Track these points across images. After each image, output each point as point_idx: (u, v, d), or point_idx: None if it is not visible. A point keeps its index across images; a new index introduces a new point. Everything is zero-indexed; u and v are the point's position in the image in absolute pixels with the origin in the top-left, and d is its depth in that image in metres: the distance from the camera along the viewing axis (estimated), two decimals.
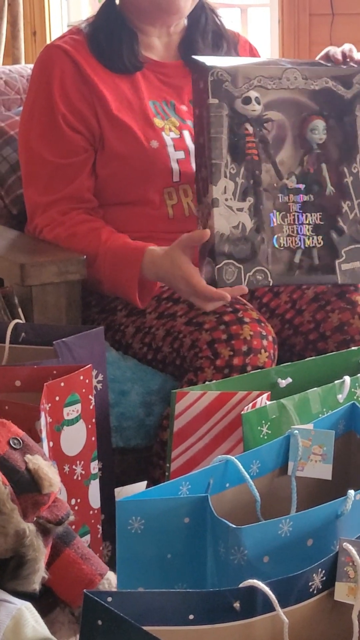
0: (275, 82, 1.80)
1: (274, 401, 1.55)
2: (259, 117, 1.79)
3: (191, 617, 1.08)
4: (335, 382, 1.62)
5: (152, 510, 1.23)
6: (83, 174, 1.96)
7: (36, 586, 1.31)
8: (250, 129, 1.78)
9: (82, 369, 1.62)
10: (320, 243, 1.83)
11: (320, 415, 1.56)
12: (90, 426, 1.65)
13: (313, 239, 1.82)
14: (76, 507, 1.62)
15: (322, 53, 1.90)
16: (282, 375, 1.66)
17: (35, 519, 1.31)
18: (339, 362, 1.71)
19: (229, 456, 1.34)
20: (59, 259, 1.87)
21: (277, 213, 1.80)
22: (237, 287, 1.77)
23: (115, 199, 1.98)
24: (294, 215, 1.81)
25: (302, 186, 1.82)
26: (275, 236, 1.80)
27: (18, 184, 2.17)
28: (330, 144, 1.83)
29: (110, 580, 1.41)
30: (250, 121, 1.78)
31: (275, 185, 1.80)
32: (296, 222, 1.81)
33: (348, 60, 1.87)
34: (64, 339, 1.68)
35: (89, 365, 1.64)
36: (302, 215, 1.82)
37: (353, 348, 1.76)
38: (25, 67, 2.45)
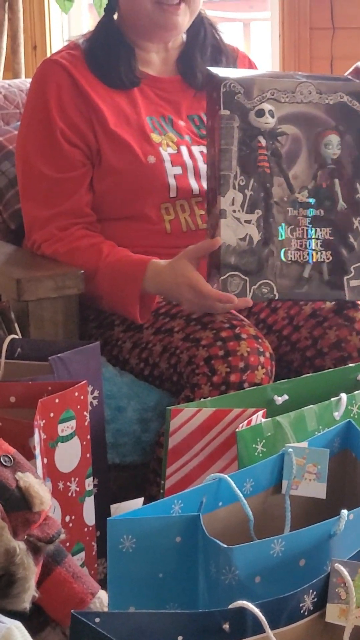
0: (288, 95, 1.79)
1: (269, 419, 1.55)
2: (272, 130, 1.79)
3: (180, 638, 1.06)
4: (332, 399, 1.61)
5: (143, 529, 1.22)
6: (82, 188, 1.95)
7: (26, 605, 1.30)
8: (263, 142, 1.78)
9: (77, 385, 1.61)
10: (329, 258, 1.82)
11: (316, 432, 1.55)
12: (85, 442, 1.64)
13: (321, 254, 1.81)
14: (70, 524, 1.61)
15: (352, 68, 1.90)
16: (278, 392, 1.65)
17: (25, 537, 1.30)
18: (336, 379, 1.70)
19: (222, 474, 1.33)
20: (56, 274, 1.86)
21: (286, 226, 1.80)
22: (242, 299, 1.76)
23: (112, 214, 1.97)
24: (302, 229, 1.81)
25: (313, 200, 1.82)
26: (283, 249, 1.80)
27: (16, 198, 2.17)
28: (344, 159, 1.83)
29: (101, 599, 1.40)
30: (263, 134, 1.78)
31: (285, 199, 1.80)
32: (305, 237, 1.81)
33: None
34: (59, 355, 1.68)
35: (84, 382, 1.63)
36: (312, 230, 1.81)
37: (350, 365, 1.75)
38: (24, 82, 2.45)
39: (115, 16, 2.04)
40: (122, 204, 1.96)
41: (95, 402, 1.72)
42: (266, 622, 1.08)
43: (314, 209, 1.82)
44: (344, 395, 1.62)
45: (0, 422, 1.52)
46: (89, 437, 1.65)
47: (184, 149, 1.99)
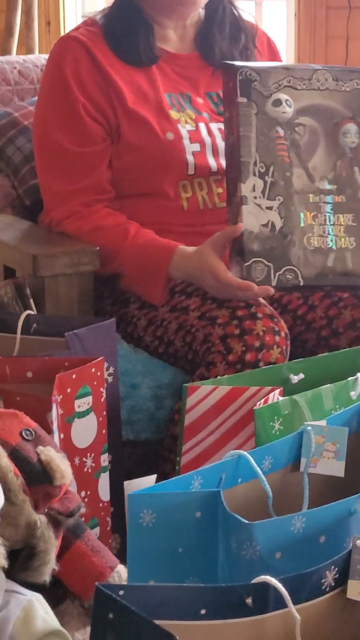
0: (305, 82, 1.79)
1: (287, 397, 1.55)
2: (290, 121, 1.78)
3: (203, 611, 1.07)
4: (349, 378, 1.62)
5: (163, 504, 1.22)
6: (103, 164, 1.94)
7: (46, 578, 1.31)
8: (281, 132, 1.77)
9: (94, 361, 1.62)
10: (352, 245, 1.81)
11: (332, 411, 1.56)
12: (101, 419, 1.64)
13: (345, 240, 1.81)
14: (86, 500, 1.62)
15: None
16: (294, 371, 1.65)
17: (46, 510, 1.31)
18: (351, 359, 1.70)
19: (241, 451, 1.33)
20: (71, 250, 1.86)
21: (308, 213, 1.79)
22: (262, 287, 1.75)
23: (130, 190, 1.97)
24: (324, 215, 1.80)
25: (334, 187, 1.81)
26: (306, 236, 1.78)
27: (31, 174, 2.16)
28: None
29: (120, 573, 1.41)
30: (281, 124, 1.78)
31: (306, 188, 1.79)
32: (327, 223, 1.80)
33: None
34: (75, 331, 1.68)
35: (101, 358, 1.63)
36: (334, 216, 1.80)
37: None
38: (39, 57, 2.44)
39: None
40: (139, 181, 1.96)
41: (110, 378, 1.72)
42: (289, 597, 1.09)
43: (336, 195, 1.81)
44: None
45: (18, 396, 1.52)
46: (104, 413, 1.65)
47: (202, 126, 1.98)
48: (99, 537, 1.64)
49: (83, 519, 1.45)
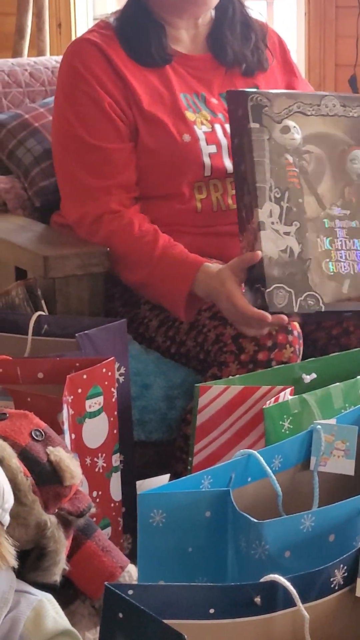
0: (314, 108, 1.79)
1: (296, 396, 1.55)
2: (297, 148, 1.78)
3: (212, 611, 1.07)
4: (358, 377, 1.61)
5: (173, 503, 1.23)
6: (132, 162, 1.93)
7: (57, 578, 1.31)
8: (291, 159, 1.77)
9: (104, 362, 1.62)
10: None
11: (342, 410, 1.56)
12: (112, 419, 1.65)
13: None
14: (97, 500, 1.62)
15: None
16: (306, 371, 1.65)
17: (56, 511, 1.31)
18: None
19: (251, 450, 1.33)
20: (82, 252, 1.87)
21: (325, 238, 1.77)
22: (276, 316, 1.70)
23: (145, 192, 1.95)
24: (341, 240, 1.78)
25: (347, 212, 1.80)
26: (324, 261, 1.76)
27: (41, 176, 2.17)
28: None
29: (130, 573, 1.41)
30: (289, 151, 1.77)
31: (318, 214, 1.78)
32: (344, 248, 1.78)
33: None
34: (86, 332, 1.68)
35: (112, 358, 1.64)
36: (350, 241, 1.79)
37: None
38: (50, 59, 2.44)
39: None
40: (156, 183, 1.95)
41: (121, 379, 1.73)
42: (297, 596, 1.09)
43: (350, 220, 1.80)
44: None
45: (29, 397, 1.53)
46: (116, 413, 1.66)
47: (218, 127, 1.98)
48: (110, 537, 1.65)
49: (94, 519, 1.45)
